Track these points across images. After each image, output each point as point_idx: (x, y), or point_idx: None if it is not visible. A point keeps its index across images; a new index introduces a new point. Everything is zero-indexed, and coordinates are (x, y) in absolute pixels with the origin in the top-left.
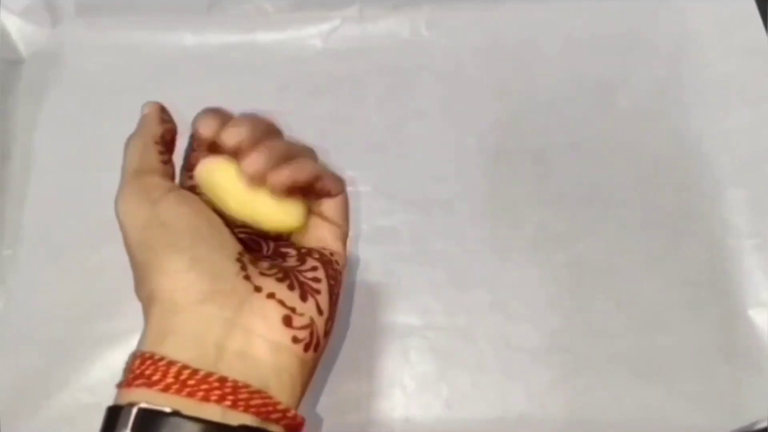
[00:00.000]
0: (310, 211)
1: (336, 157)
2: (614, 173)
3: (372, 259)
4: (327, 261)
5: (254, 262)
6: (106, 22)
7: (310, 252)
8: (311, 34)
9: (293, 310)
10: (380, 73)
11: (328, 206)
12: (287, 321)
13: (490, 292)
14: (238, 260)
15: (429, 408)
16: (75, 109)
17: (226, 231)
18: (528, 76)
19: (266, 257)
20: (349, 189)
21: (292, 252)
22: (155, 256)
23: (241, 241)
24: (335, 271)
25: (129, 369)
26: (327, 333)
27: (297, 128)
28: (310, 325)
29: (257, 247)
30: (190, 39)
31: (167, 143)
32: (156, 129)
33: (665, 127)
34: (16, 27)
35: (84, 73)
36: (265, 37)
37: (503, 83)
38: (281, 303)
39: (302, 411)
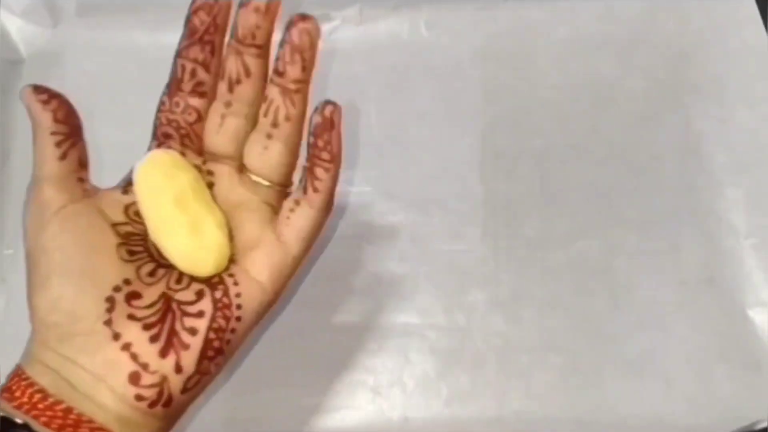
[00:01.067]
0: (232, 261)
1: None
2: (613, 173)
3: (371, 258)
4: (223, 305)
5: (134, 297)
6: (106, 22)
7: (213, 287)
8: None
9: (145, 366)
10: (380, 73)
11: (255, 262)
12: (134, 378)
13: (489, 292)
14: (109, 299)
15: (428, 407)
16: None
17: (109, 260)
18: (528, 76)
19: (173, 279)
20: (349, 189)
21: (195, 285)
22: (32, 280)
23: (149, 250)
24: (226, 320)
25: (8, 377)
26: (187, 390)
27: None
28: (160, 384)
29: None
30: None
31: (63, 122)
32: (42, 117)
33: (664, 127)
34: (16, 27)
35: (84, 73)
36: None
37: (503, 83)
38: (134, 358)
39: (299, 411)
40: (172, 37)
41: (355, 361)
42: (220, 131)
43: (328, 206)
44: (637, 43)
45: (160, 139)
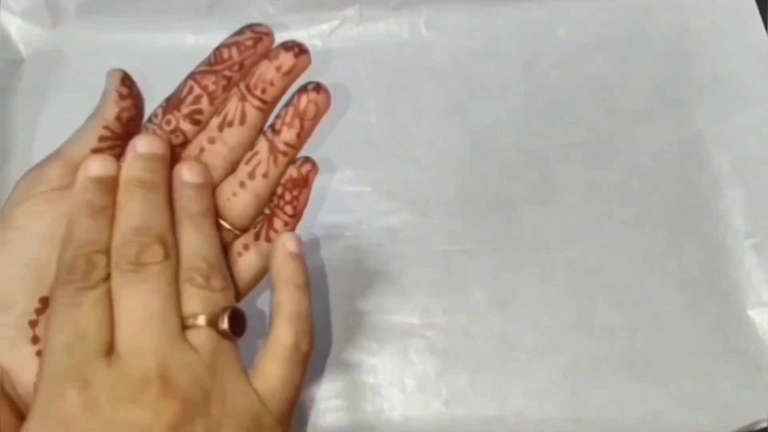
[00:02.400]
0: None
1: (336, 157)
2: (613, 173)
3: (371, 258)
4: None
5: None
6: (106, 22)
7: None
8: (311, 34)
9: None
10: (380, 74)
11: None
12: None
13: (489, 292)
14: (42, 300)
15: (428, 407)
16: (75, 110)
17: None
18: (527, 76)
19: None
20: (349, 189)
21: None
22: None
23: None
24: None
25: None
26: None
27: None
28: None
29: None
30: (191, 40)
31: (122, 124)
32: (109, 107)
33: (664, 127)
34: (16, 27)
35: (84, 74)
36: None
37: (503, 83)
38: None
39: (299, 411)
40: (171, 38)
41: (355, 361)
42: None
43: None
44: (637, 43)
45: None
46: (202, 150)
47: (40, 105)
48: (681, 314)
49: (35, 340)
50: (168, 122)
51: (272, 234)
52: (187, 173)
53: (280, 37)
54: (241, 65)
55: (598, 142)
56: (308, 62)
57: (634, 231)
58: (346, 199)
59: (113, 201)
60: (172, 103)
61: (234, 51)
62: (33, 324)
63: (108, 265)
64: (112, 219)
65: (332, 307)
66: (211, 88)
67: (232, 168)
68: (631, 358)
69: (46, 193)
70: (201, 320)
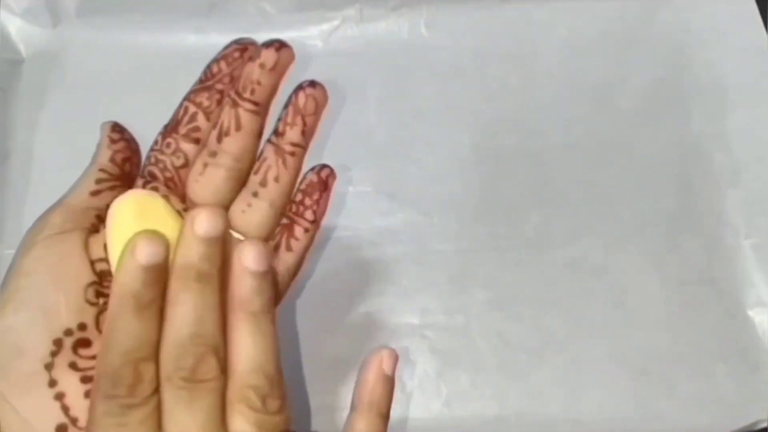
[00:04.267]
0: None
1: (336, 157)
2: (613, 173)
3: (371, 259)
4: None
5: (83, 345)
6: (106, 22)
7: None
8: (312, 34)
9: (74, 421)
10: (380, 73)
11: None
12: (61, 431)
13: (489, 292)
14: (57, 342)
15: (428, 407)
16: (75, 110)
17: (73, 299)
18: (527, 76)
19: None
20: (349, 189)
21: None
22: None
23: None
24: None
25: None
26: None
27: None
28: None
29: None
30: (191, 40)
31: (117, 165)
32: (102, 152)
33: (664, 127)
34: (16, 27)
35: (84, 74)
36: (265, 37)
37: (502, 83)
38: (65, 409)
39: (299, 411)
40: (172, 38)
41: (355, 361)
42: (200, 179)
43: (296, 269)
44: (637, 43)
45: (146, 177)
46: (205, 165)
47: (40, 105)
48: (680, 314)
49: (52, 383)
50: (168, 145)
51: (293, 242)
52: (252, 259)
53: (278, 37)
54: (232, 77)
55: (598, 142)
56: (291, 56)
57: (633, 231)
58: (346, 199)
59: (162, 292)
60: (170, 127)
61: (222, 64)
62: (49, 367)
63: (156, 377)
64: (159, 315)
65: (331, 307)
66: (206, 103)
67: (241, 182)
68: (631, 357)
69: (48, 238)
70: None
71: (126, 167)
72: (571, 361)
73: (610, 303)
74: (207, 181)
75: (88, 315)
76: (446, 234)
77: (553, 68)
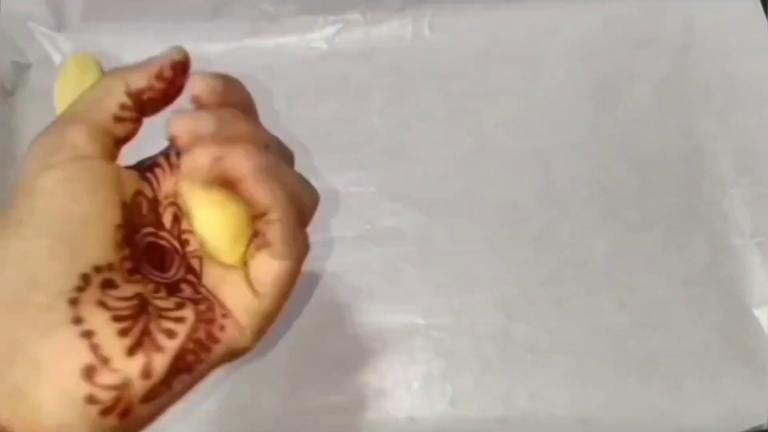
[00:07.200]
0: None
1: (340, 158)
2: (616, 173)
3: (376, 259)
4: (207, 320)
5: (110, 286)
6: (111, 27)
7: (197, 302)
8: (316, 37)
9: (106, 361)
10: (384, 75)
11: (257, 268)
12: (89, 373)
13: (494, 292)
14: (84, 277)
15: (433, 407)
16: None
17: (103, 236)
18: (530, 77)
19: (158, 282)
20: (354, 190)
21: (175, 298)
22: (3, 220)
23: (136, 248)
24: (207, 335)
25: None
26: (149, 400)
27: (302, 130)
28: (119, 388)
29: (163, 264)
30: (196, 43)
31: (141, 104)
32: (136, 77)
33: (668, 127)
34: (22, 31)
35: None
36: (270, 40)
37: (505, 84)
38: (94, 348)
39: (306, 411)
40: (176, 42)
41: (360, 362)
42: None
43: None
44: (641, 43)
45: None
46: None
47: (46, 109)
48: (685, 314)
49: (77, 320)
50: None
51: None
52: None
53: (283, 40)
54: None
55: (602, 142)
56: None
57: (638, 230)
58: (351, 200)
59: None
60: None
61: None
62: (74, 303)
63: None
64: None
65: (337, 307)
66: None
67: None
68: (637, 357)
69: (72, 161)
70: None
71: (147, 109)
72: (576, 361)
73: (615, 303)
74: None
75: (115, 257)
76: (451, 234)
77: (557, 69)
